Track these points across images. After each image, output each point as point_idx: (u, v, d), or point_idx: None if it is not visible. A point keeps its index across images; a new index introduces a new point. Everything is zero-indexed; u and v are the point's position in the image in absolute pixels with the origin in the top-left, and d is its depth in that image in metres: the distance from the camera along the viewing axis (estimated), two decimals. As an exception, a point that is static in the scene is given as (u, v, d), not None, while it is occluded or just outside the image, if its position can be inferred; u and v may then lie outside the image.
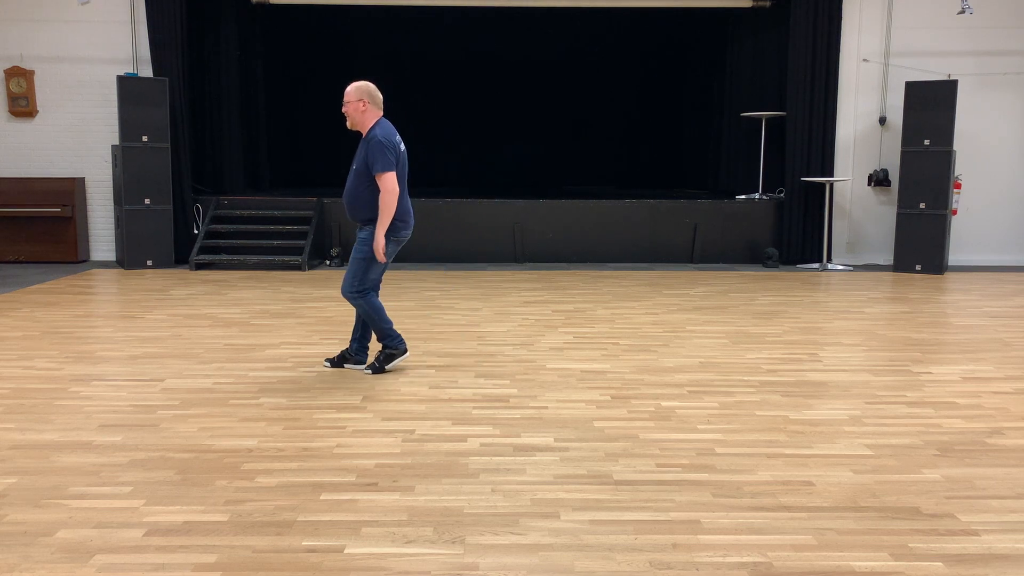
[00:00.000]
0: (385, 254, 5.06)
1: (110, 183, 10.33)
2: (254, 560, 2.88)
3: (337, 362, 5.42)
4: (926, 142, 9.64)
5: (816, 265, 10.27)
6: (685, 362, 5.61)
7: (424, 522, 3.17)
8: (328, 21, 12.49)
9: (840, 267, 10.23)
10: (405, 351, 5.36)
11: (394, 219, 5.04)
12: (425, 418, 4.41)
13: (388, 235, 5.05)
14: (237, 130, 11.19)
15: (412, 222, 5.24)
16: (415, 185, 12.61)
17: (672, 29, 12.66)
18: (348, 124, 5.13)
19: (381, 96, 5.12)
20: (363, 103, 5.02)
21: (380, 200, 4.95)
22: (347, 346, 5.47)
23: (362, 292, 5.15)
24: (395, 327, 5.36)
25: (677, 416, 4.47)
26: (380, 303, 5.26)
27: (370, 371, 5.27)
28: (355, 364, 5.39)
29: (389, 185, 4.94)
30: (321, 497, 3.39)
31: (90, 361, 5.57)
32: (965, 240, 10.55)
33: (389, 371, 5.27)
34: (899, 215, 9.89)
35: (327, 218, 10.33)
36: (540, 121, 13.16)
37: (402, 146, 5.08)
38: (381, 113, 5.11)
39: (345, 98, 5.03)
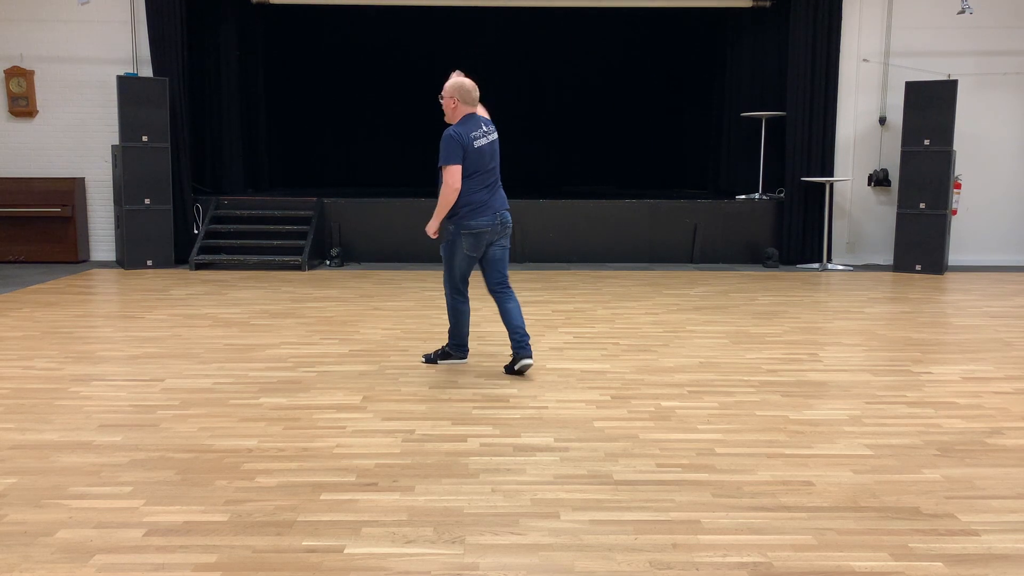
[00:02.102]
0: (465, 248, 5.18)
1: (110, 183, 10.33)
2: (254, 560, 2.88)
3: (511, 369, 5.28)
4: (926, 142, 9.64)
5: (816, 265, 10.27)
6: (685, 362, 5.61)
7: (424, 522, 3.17)
8: (328, 21, 12.49)
9: (840, 267, 10.23)
10: (463, 359, 5.55)
11: (462, 207, 5.09)
12: (425, 418, 4.41)
13: (459, 227, 5.13)
14: (237, 130, 11.19)
15: (491, 214, 5.15)
16: (417, 185, 12.59)
17: (672, 29, 12.65)
18: (445, 117, 5.24)
19: (474, 92, 5.17)
20: (453, 100, 5.13)
21: (440, 191, 5.11)
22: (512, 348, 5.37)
23: (451, 291, 5.35)
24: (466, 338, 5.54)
25: (677, 416, 4.47)
26: (465, 311, 5.42)
27: (425, 359, 5.52)
28: (526, 359, 5.22)
29: (448, 178, 5.04)
30: (321, 497, 3.39)
31: (90, 361, 5.57)
32: (965, 240, 10.55)
33: (439, 365, 5.46)
34: (899, 215, 9.89)
35: (327, 218, 10.32)
36: (540, 121, 13.16)
37: (483, 139, 5.09)
38: (472, 109, 5.16)
39: (443, 92, 5.16)
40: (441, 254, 5.34)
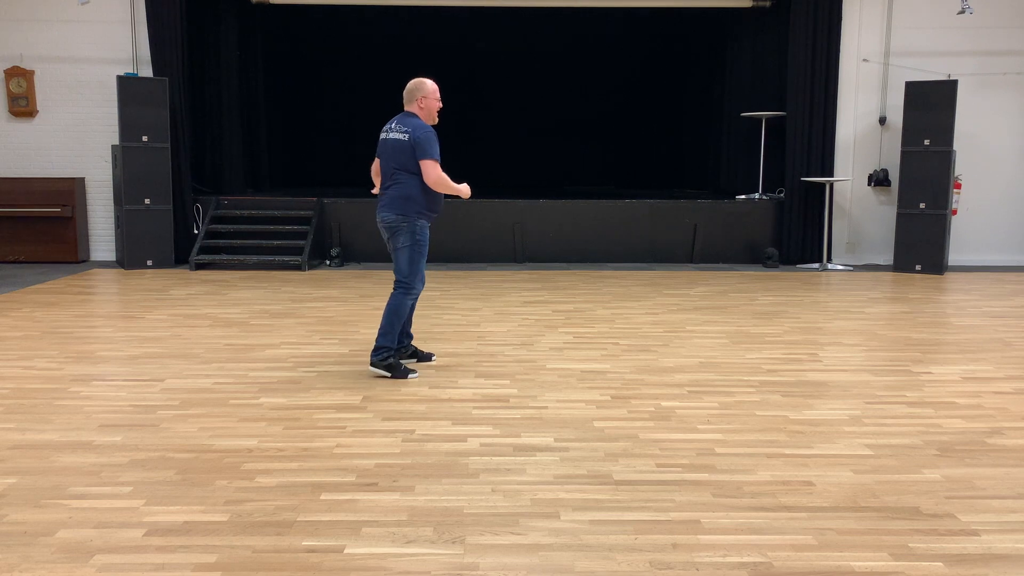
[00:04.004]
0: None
1: (110, 183, 10.33)
2: (254, 560, 2.88)
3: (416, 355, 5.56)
4: (926, 142, 9.64)
5: (816, 265, 10.27)
6: (685, 362, 5.61)
7: (424, 522, 3.17)
8: (328, 21, 12.50)
9: (840, 267, 10.23)
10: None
11: None
12: (425, 418, 4.41)
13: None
14: (237, 130, 11.19)
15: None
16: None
17: (672, 29, 12.66)
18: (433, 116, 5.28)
19: (408, 91, 5.36)
20: None
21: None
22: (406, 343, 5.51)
23: None
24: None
25: (677, 416, 4.47)
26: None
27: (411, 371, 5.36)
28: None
29: None
30: (321, 497, 3.39)
31: (90, 361, 5.57)
32: (965, 240, 10.55)
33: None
34: (899, 215, 9.89)
35: (327, 218, 10.32)
36: (540, 121, 13.16)
37: (384, 134, 5.27)
38: (408, 107, 5.34)
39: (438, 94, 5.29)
40: None
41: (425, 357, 5.54)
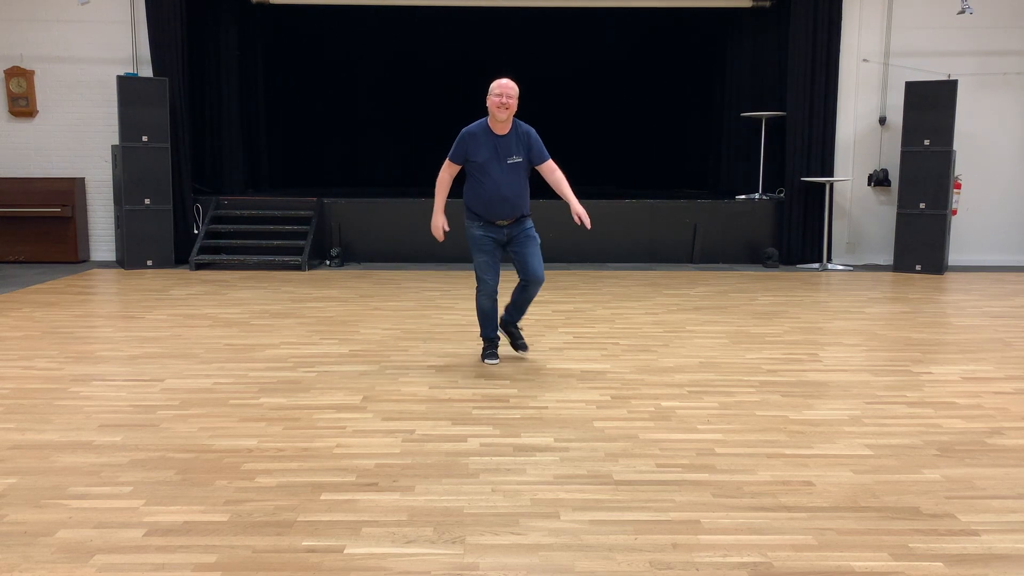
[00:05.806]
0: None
1: (110, 183, 10.33)
2: (254, 560, 2.88)
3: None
4: (926, 142, 9.64)
5: (816, 265, 10.27)
6: (685, 362, 5.61)
7: (424, 522, 3.17)
8: (328, 21, 12.49)
9: (840, 267, 10.23)
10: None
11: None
12: (425, 418, 4.41)
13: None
14: (237, 130, 11.19)
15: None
16: (416, 185, 12.58)
17: (672, 29, 12.65)
18: (503, 117, 5.45)
19: None
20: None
21: (561, 179, 5.81)
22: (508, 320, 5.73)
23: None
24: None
25: (677, 416, 4.47)
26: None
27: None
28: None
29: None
30: (321, 497, 3.39)
31: (90, 361, 5.57)
32: (965, 240, 10.55)
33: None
34: (899, 215, 9.89)
35: (327, 218, 10.33)
36: (539, 121, 13.08)
37: None
38: None
39: (511, 92, 5.43)
40: (536, 244, 5.70)
41: (520, 346, 5.70)
